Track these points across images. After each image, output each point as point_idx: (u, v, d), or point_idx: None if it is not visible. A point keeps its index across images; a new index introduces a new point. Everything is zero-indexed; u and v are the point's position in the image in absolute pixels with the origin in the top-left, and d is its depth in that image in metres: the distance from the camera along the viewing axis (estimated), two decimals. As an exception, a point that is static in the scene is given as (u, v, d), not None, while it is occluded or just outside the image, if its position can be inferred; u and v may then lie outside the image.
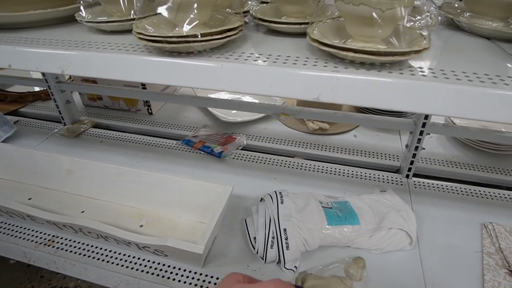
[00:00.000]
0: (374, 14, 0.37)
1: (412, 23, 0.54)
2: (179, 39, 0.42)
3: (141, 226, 0.80)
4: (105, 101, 1.32)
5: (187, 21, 0.44)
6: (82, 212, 0.84)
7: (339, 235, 0.72)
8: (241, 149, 1.08)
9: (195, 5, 0.43)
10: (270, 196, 0.77)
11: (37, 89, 1.42)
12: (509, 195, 0.90)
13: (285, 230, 0.70)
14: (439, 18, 0.64)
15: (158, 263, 0.73)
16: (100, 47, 0.50)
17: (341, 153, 1.06)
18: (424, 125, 0.88)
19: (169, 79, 0.45)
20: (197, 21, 0.44)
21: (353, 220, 0.73)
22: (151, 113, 1.29)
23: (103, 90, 1.15)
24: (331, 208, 0.76)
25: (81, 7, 0.58)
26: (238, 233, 0.79)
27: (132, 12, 0.56)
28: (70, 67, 0.50)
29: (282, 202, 0.75)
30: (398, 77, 0.39)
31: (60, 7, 0.60)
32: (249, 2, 0.66)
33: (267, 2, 0.67)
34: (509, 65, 0.44)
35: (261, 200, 0.79)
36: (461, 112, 0.38)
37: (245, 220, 0.78)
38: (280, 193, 0.78)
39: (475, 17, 0.59)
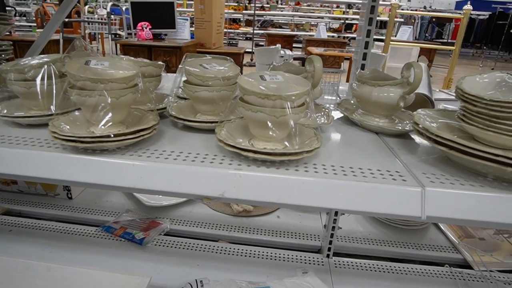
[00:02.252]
0: (268, 121, 0.43)
1: (310, 119, 0.62)
2: (92, 139, 0.44)
3: (45, 330, 0.71)
4: (20, 185, 1.23)
5: (102, 122, 0.46)
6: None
7: (260, 323, 0.71)
8: (165, 235, 1.05)
9: (110, 108, 0.46)
10: (191, 285, 0.76)
11: None
12: (420, 269, 0.97)
13: (204, 322, 0.67)
14: (334, 117, 0.73)
15: None
16: (13, 142, 0.50)
17: (265, 235, 1.09)
18: (337, 206, 0.95)
19: (80, 176, 0.46)
20: (111, 123, 0.46)
21: (274, 306, 0.74)
22: (70, 198, 1.23)
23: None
24: (253, 294, 0.76)
25: (-5, 102, 0.58)
26: (156, 329, 0.74)
27: (52, 107, 0.57)
28: (-25, 162, 0.48)
29: (202, 292, 0.73)
30: (293, 174, 0.44)
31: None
32: (169, 98, 0.71)
33: (185, 98, 0.72)
34: (389, 159, 0.52)
35: (181, 290, 0.77)
36: (349, 205, 0.43)
37: (164, 313, 0.74)
38: (201, 281, 0.76)
39: (366, 115, 0.70)
